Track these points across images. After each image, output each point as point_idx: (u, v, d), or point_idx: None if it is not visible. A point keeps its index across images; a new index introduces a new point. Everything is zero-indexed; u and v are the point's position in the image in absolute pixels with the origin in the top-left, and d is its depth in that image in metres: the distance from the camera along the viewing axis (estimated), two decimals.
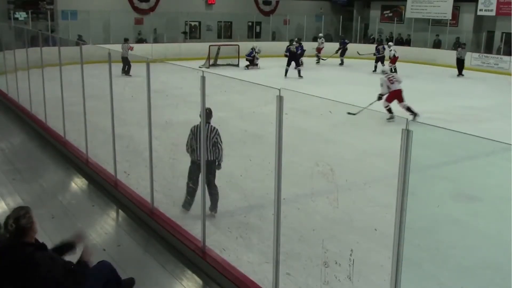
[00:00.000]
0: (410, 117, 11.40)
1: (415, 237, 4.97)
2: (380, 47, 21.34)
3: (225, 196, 6.46)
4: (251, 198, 6.59)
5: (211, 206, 6.00)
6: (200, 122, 5.45)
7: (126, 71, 17.04)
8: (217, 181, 6.09)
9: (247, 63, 21.12)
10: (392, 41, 23.29)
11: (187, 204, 6.10)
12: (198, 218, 5.21)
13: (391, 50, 20.64)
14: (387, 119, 11.25)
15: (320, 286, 4.39)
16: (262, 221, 5.61)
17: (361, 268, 4.61)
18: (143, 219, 6.00)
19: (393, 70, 20.27)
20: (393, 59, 20.47)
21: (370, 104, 11.27)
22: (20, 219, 3.41)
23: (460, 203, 6.74)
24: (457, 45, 22.80)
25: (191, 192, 6.07)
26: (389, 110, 11.70)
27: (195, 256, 5.02)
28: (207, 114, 5.64)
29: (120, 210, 6.42)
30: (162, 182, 6.59)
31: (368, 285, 4.64)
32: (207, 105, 5.02)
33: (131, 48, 17.94)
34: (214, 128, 5.91)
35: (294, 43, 19.70)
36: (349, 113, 9.49)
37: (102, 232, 5.76)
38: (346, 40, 24.00)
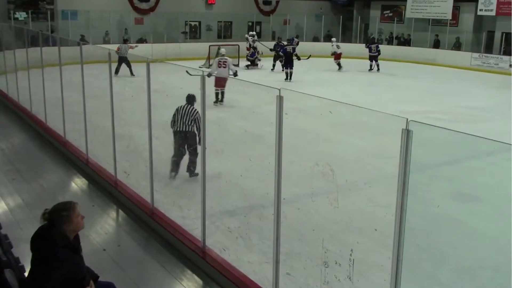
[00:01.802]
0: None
1: (415, 237, 4.96)
2: (373, 46, 21.56)
3: (225, 196, 6.47)
4: (251, 198, 6.59)
5: (188, 169, 7.34)
6: (185, 105, 7.29)
7: (129, 71, 16.88)
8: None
9: (248, 63, 21.09)
10: (334, 37, 23.44)
11: (173, 172, 7.28)
12: (198, 218, 5.21)
13: (332, 45, 21.09)
14: (214, 102, 12.43)
15: (320, 286, 4.39)
16: (262, 221, 5.61)
17: (361, 268, 4.61)
18: (143, 219, 6.00)
19: (339, 66, 20.94)
20: (337, 55, 20.98)
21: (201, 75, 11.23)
22: (55, 213, 3.42)
23: (460, 203, 6.74)
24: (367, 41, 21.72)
25: (176, 161, 7.32)
26: (217, 95, 12.61)
27: (195, 256, 5.02)
28: (192, 98, 7.28)
29: (120, 210, 6.42)
30: (162, 182, 6.59)
31: (368, 285, 4.64)
32: (207, 105, 5.01)
33: (133, 47, 17.78)
34: (195, 109, 7.20)
35: (287, 42, 19.48)
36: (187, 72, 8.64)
37: (102, 232, 5.77)
38: (295, 38, 23.69)
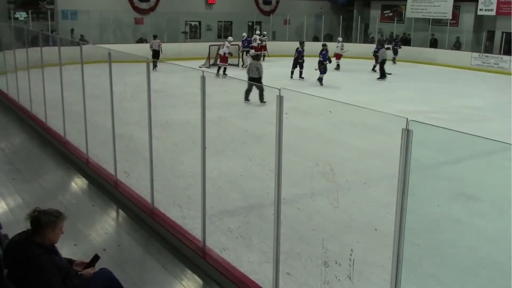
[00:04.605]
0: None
1: (415, 237, 4.97)
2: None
3: (225, 196, 6.47)
4: (251, 198, 6.59)
5: (260, 97, 12.79)
6: (254, 60, 14.47)
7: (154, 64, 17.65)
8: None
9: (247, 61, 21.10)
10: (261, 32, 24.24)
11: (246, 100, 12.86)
12: (198, 218, 5.21)
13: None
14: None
15: (320, 286, 4.39)
16: (262, 221, 5.61)
17: (361, 268, 4.61)
18: (143, 219, 6.00)
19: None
20: (258, 48, 22.10)
21: None
22: (45, 215, 3.45)
23: (460, 203, 6.74)
24: (379, 43, 21.33)
25: (247, 92, 12.96)
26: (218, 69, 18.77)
27: (195, 256, 5.02)
28: (258, 56, 15.28)
29: (120, 210, 6.41)
30: (162, 182, 6.59)
31: (368, 285, 4.64)
32: (207, 105, 5.00)
33: (160, 44, 20.07)
34: (259, 63, 13.79)
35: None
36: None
37: (103, 232, 5.76)
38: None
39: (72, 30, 21.47)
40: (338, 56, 21.44)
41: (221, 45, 19.62)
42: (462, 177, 7.61)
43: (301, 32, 26.88)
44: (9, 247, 3.51)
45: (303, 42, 19.43)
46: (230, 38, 20.50)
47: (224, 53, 19.21)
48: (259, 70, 13.36)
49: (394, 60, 24.14)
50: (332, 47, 21.12)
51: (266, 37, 24.20)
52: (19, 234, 3.54)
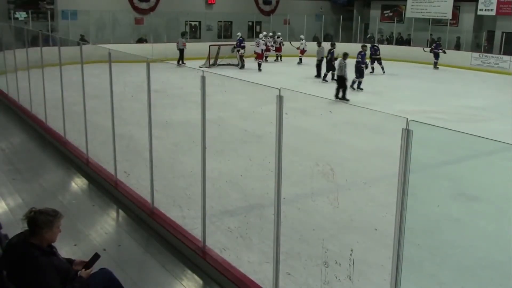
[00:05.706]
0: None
1: (415, 237, 4.97)
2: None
3: (225, 196, 6.47)
4: (251, 198, 6.59)
5: (342, 95, 13.72)
6: (340, 59, 14.88)
7: (179, 60, 19.73)
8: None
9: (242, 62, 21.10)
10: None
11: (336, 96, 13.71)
12: (198, 218, 5.21)
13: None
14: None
15: (320, 286, 4.39)
16: (262, 221, 5.61)
17: (361, 268, 4.61)
18: (143, 219, 6.00)
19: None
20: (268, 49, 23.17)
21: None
22: (42, 215, 3.44)
23: (460, 203, 6.74)
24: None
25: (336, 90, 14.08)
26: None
27: (195, 256, 5.02)
28: (345, 54, 14.78)
29: (120, 210, 6.42)
30: (162, 182, 6.59)
31: (368, 285, 4.64)
32: (207, 105, 5.01)
33: (184, 44, 20.84)
34: (343, 61, 14.41)
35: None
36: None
37: (103, 232, 5.76)
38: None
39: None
40: (302, 52, 23.42)
41: (255, 42, 21.35)
42: (462, 177, 7.61)
43: (301, 32, 26.86)
44: (8, 249, 3.51)
45: (335, 43, 18.43)
46: (261, 34, 22.33)
47: (262, 50, 21.11)
48: (342, 69, 14.20)
49: (435, 65, 22.64)
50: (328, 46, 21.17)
51: (280, 37, 24.17)
52: (17, 235, 3.53)
